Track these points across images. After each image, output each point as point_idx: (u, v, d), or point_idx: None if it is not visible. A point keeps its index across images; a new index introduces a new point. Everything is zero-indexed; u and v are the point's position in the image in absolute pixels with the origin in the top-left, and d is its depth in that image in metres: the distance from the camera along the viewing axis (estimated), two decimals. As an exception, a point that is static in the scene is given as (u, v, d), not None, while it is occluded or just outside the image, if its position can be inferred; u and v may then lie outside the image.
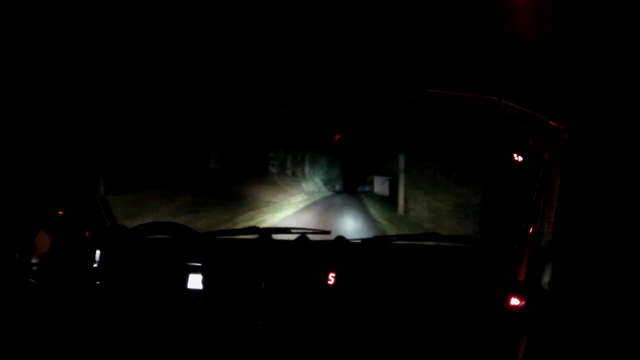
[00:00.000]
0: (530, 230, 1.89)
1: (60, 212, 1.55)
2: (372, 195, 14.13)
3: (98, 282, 1.89)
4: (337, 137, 2.42)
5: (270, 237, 2.71)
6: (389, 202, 11.76)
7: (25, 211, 1.43)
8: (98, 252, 1.93)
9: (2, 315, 1.36)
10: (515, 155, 2.10)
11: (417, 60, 1.55)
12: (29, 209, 1.45)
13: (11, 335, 1.40)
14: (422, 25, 1.31)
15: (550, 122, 1.74)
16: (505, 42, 1.34)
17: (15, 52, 1.25)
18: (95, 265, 1.89)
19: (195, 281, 2.06)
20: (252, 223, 6.79)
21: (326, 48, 1.50)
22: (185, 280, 2.06)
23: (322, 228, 2.53)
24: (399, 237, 2.38)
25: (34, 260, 1.45)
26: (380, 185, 14.32)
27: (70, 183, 1.77)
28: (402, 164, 10.10)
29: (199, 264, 2.08)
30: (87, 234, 1.70)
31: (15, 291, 1.40)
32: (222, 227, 6.44)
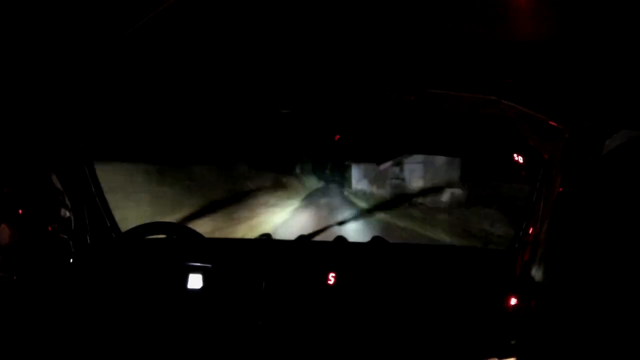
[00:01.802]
0: (530, 230, 1.89)
1: (20, 211, 1.52)
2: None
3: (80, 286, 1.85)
4: (337, 137, 2.42)
5: (270, 237, 2.71)
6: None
7: None
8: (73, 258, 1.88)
9: None
10: (515, 155, 2.10)
11: (417, 60, 1.54)
12: None
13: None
14: (421, 25, 1.31)
15: (550, 122, 1.74)
16: (504, 42, 1.34)
17: (14, 50, 1.25)
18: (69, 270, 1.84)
19: (195, 281, 2.06)
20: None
21: (326, 48, 1.50)
22: (185, 280, 2.05)
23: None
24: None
25: None
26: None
27: (33, 177, 1.70)
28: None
29: (199, 264, 2.08)
30: (49, 228, 1.64)
31: None
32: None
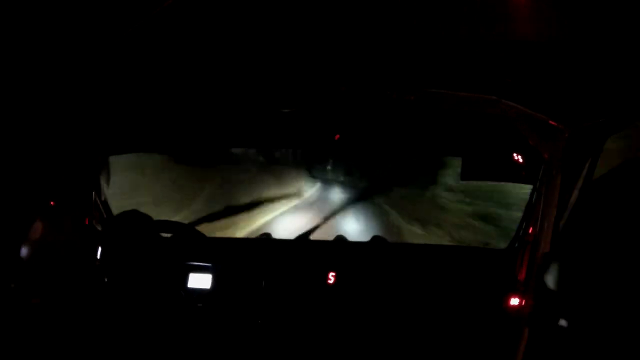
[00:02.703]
0: (530, 230, 1.88)
1: (52, 203, 1.51)
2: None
3: (105, 280, 1.86)
4: (337, 136, 2.42)
5: (270, 236, 2.71)
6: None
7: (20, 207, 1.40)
8: (99, 249, 1.91)
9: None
10: (515, 155, 2.10)
11: (417, 60, 1.55)
12: (24, 205, 1.41)
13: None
14: (422, 25, 1.32)
15: (550, 122, 1.74)
16: (504, 42, 1.35)
17: (16, 50, 1.25)
18: (98, 261, 1.86)
19: (196, 280, 2.06)
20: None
21: (326, 48, 1.50)
22: (185, 279, 2.06)
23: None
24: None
25: (30, 259, 1.41)
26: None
27: (64, 173, 1.72)
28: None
29: (200, 263, 2.08)
30: (86, 221, 1.65)
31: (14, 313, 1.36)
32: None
